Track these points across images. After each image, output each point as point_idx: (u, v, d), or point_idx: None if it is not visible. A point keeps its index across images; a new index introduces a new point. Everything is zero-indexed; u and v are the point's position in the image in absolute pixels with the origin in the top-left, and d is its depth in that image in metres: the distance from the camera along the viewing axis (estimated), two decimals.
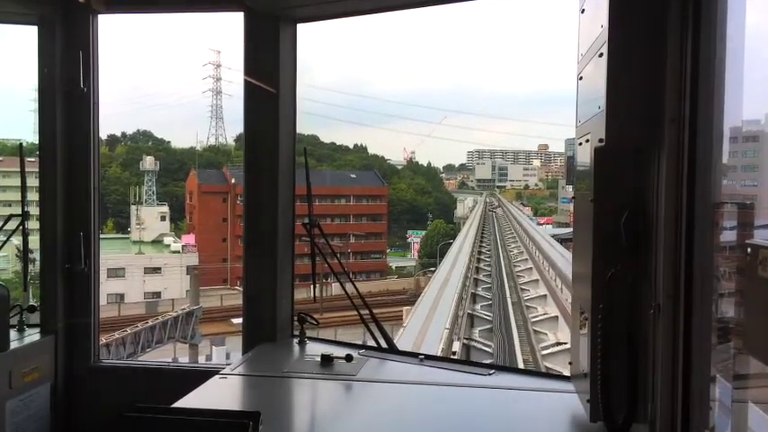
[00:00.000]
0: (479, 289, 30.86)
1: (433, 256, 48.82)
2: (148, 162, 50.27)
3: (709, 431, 1.69)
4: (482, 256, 41.21)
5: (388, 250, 52.55)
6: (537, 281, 30.82)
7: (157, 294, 40.76)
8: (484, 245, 46.71)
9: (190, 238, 43.26)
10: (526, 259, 38.03)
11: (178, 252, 43.46)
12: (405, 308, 28.18)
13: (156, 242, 45.80)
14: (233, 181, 42.03)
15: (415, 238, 55.59)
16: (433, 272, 39.76)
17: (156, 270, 41.77)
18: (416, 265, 51.53)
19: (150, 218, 46.86)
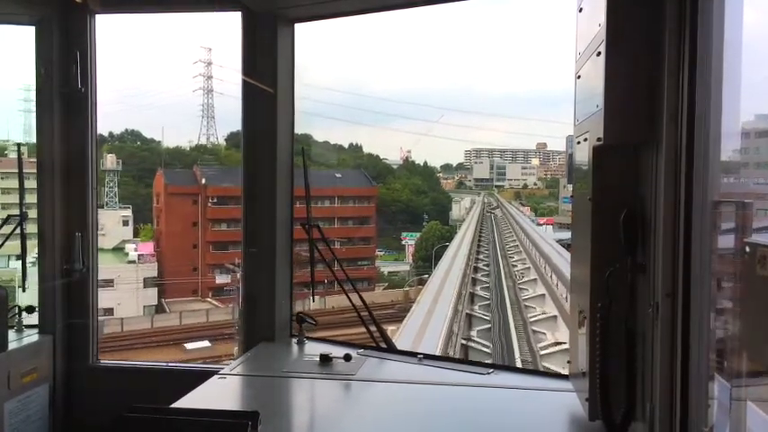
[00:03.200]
0: (474, 332, 20.93)
1: (428, 260, 45.09)
2: (109, 161, 43.25)
3: (707, 429, 1.70)
4: (479, 275, 31.47)
5: (381, 253, 48.41)
6: (555, 319, 20.58)
7: (110, 311, 33.25)
8: (481, 257, 37.32)
9: (148, 247, 38.09)
10: (535, 280, 27.32)
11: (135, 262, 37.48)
12: (390, 327, 23.36)
13: (117, 250, 39.56)
14: (203, 181, 37.45)
15: (410, 240, 51.74)
16: (428, 277, 33.20)
17: (109, 283, 34.36)
18: (410, 269, 47.52)
19: (111, 222, 39.77)
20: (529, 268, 30.48)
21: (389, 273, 46.84)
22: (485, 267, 33.83)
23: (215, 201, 35.60)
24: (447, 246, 42.25)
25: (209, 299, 33.89)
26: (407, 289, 38.74)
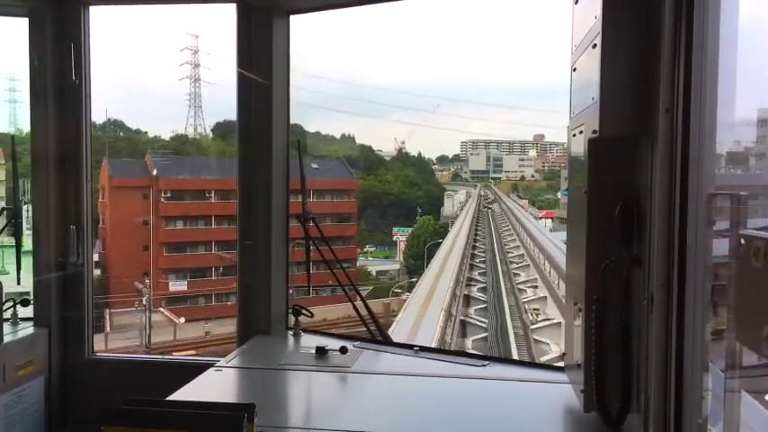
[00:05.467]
0: None
1: (420, 257, 39.87)
2: None
3: (701, 420, 1.70)
4: (472, 310, 21.68)
5: (371, 249, 43.80)
6: None
7: None
8: (476, 275, 27.13)
9: None
10: (558, 324, 17.48)
11: None
12: None
13: None
14: (155, 172, 30.14)
15: (402, 236, 45.81)
16: (417, 281, 28.31)
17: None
18: (401, 267, 41.50)
19: None
20: (545, 299, 21.16)
21: (378, 272, 40.02)
22: (480, 295, 23.73)
23: (168, 195, 29.13)
24: (440, 242, 37.56)
25: (161, 309, 27.36)
26: (388, 301, 30.83)
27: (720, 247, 1.67)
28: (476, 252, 33.53)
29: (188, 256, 26.49)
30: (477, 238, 37.85)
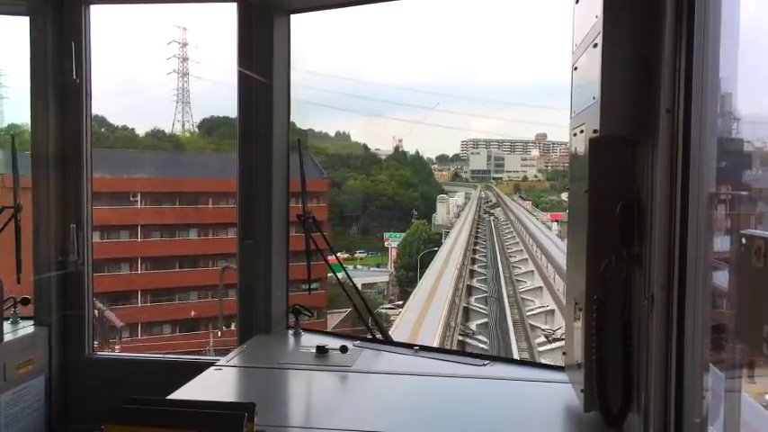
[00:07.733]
0: None
1: (412, 268, 35.42)
2: None
3: (701, 420, 1.70)
4: None
5: (362, 255, 39.02)
6: None
7: None
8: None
9: None
10: None
11: None
12: None
13: None
14: None
15: (393, 241, 40.74)
16: (404, 303, 24.67)
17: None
18: (390, 278, 36.64)
19: None
20: None
21: (364, 285, 31.87)
22: None
23: None
24: (436, 250, 32.99)
25: None
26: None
27: (721, 246, 1.66)
28: (471, 303, 22.04)
29: (106, 276, 18.81)
30: (475, 269, 28.23)
